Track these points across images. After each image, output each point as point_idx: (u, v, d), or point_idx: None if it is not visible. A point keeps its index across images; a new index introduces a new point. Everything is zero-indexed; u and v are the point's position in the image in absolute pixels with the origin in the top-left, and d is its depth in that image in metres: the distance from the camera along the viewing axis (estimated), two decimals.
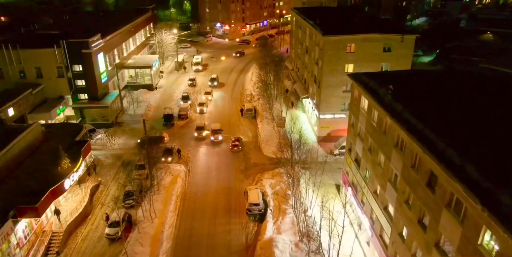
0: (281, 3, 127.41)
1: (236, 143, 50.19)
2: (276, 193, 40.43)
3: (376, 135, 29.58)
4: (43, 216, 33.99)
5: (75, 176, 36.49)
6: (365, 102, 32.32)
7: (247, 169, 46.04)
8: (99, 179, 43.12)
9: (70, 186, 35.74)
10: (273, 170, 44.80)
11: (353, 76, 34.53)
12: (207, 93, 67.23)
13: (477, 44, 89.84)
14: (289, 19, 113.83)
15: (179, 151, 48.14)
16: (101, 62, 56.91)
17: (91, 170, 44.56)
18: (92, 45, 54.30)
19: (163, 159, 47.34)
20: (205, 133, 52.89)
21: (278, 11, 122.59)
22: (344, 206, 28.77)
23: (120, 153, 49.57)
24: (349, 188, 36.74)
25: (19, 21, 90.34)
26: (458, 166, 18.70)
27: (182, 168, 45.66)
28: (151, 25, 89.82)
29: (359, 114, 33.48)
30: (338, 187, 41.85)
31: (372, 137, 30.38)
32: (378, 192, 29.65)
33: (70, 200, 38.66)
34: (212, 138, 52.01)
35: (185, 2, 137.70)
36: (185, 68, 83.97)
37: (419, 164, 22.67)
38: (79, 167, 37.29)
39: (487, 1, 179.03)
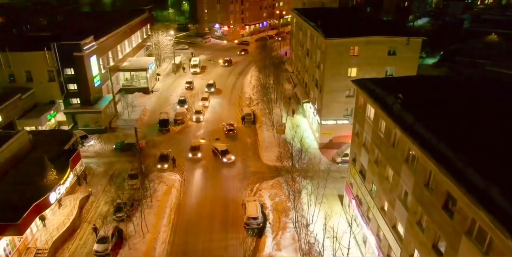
0: (281, 4, 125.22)
1: (231, 128, 54.05)
2: (276, 205, 38.30)
3: (383, 147, 27.43)
4: (28, 231, 31.90)
5: (62, 188, 34.31)
6: (371, 111, 30.18)
7: (246, 178, 43.88)
8: (90, 189, 40.95)
9: (57, 199, 33.55)
10: (273, 179, 42.64)
11: (358, 82, 32.37)
12: (204, 99, 64.28)
13: (482, 45, 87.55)
14: (289, 19, 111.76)
15: (174, 159, 45.93)
16: (94, 65, 54.75)
17: (81, 179, 42.45)
18: (85, 48, 52.15)
19: (158, 166, 45.32)
20: (200, 154, 47.87)
21: (278, 12, 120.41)
22: (350, 226, 26.59)
23: (112, 160, 47.38)
24: (353, 201, 34.58)
25: (13, 22, 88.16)
26: (481, 190, 16.56)
27: (177, 178, 43.49)
28: (148, 26, 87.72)
29: (365, 123, 31.33)
30: (341, 198, 39.69)
31: (379, 148, 28.22)
32: (386, 208, 27.50)
33: (58, 213, 36.49)
34: (224, 160, 46.43)
35: (184, 2, 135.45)
36: (184, 68, 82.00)
37: (433, 183, 20.52)
38: (66, 179, 35.12)
39: (489, 1, 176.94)
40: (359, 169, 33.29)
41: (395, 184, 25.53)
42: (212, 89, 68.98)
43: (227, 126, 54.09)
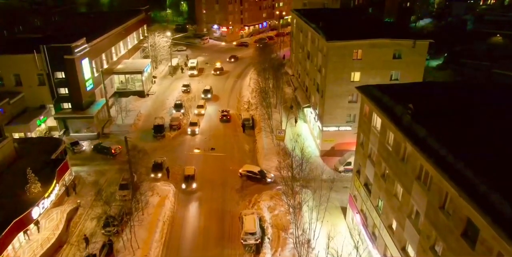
0: (281, 4, 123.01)
1: (225, 113, 57.20)
2: (275, 218, 36.18)
3: (391, 161, 25.26)
4: (10, 247, 29.77)
5: (46, 202, 32.15)
6: (377, 121, 28.02)
7: (243, 188, 41.69)
8: (78, 201, 38.73)
9: (40, 214, 31.39)
10: (272, 190, 40.52)
11: (363, 89, 30.24)
12: (200, 106, 60.42)
13: (487, 47, 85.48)
14: (289, 20, 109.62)
15: (168, 170, 43.65)
16: (86, 69, 52.55)
17: (70, 190, 40.29)
18: (76, 51, 49.97)
19: (152, 176, 43.17)
20: (195, 184, 41.43)
21: (277, 12, 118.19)
22: (357, 249, 24.45)
23: (104, 169, 45.20)
24: (358, 216, 32.42)
25: (7, 23, 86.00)
26: (510, 221, 14.41)
27: (171, 188, 41.29)
28: (145, 27, 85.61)
29: (370, 133, 29.18)
30: (344, 210, 37.55)
31: (387, 162, 26.06)
32: (394, 227, 25.34)
33: (43, 227, 34.30)
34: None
35: (182, 3, 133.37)
36: (182, 69, 79.93)
37: (451, 207, 18.36)
38: (51, 192, 32.98)
39: (491, 2, 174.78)
40: (364, 182, 31.14)
41: (405, 203, 23.38)
42: (209, 95, 65.42)
43: (222, 113, 56.98)
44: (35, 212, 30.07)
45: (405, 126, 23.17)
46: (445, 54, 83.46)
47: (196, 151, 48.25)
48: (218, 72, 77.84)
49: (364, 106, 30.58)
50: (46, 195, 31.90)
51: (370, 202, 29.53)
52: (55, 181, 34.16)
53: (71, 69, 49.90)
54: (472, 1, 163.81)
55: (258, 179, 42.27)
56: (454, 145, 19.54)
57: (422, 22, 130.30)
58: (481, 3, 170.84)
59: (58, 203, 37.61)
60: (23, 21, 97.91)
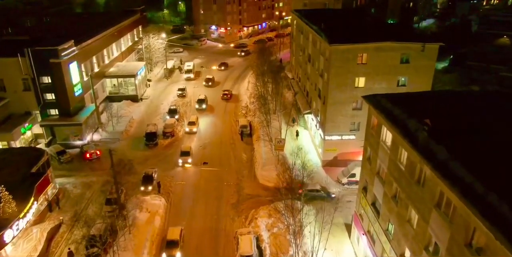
0: (280, 4, 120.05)
1: (227, 92, 62.81)
2: (274, 237, 33.29)
3: (404, 182, 22.38)
4: None
5: (22, 223, 29.26)
6: (387, 135, 25.15)
7: (240, 202, 38.80)
8: (61, 218, 35.81)
9: (14, 237, 28.49)
10: (270, 204, 37.51)
11: (370, 99, 27.35)
12: (191, 123, 52.65)
13: (494, 49, 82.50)
14: (289, 21, 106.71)
15: (159, 184, 40.52)
16: (74, 73, 49.64)
17: (53, 205, 37.39)
18: (63, 54, 47.08)
19: (142, 189, 40.30)
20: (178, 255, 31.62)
21: (277, 13, 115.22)
22: None
23: (92, 180, 42.26)
24: (364, 237, 29.54)
25: None
26: None
27: (162, 202, 38.40)
28: (140, 28, 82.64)
29: (379, 148, 26.29)
30: (348, 228, 34.64)
31: (399, 183, 23.17)
32: None
33: (21, 248, 31.42)
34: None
35: (180, 3, 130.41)
36: (180, 69, 77.14)
37: (479, 244, 15.47)
38: (27, 211, 30.06)
39: (495, 2, 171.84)
40: (372, 201, 28.25)
41: (421, 232, 20.49)
42: (204, 106, 59.85)
43: (224, 92, 61.96)
44: (8, 235, 27.20)
45: (421, 144, 20.29)
46: (451, 56, 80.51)
47: (187, 165, 44.89)
48: (209, 83, 69.63)
49: (371, 117, 27.70)
50: (22, 215, 29.03)
51: (378, 224, 26.65)
52: (32, 199, 31.25)
53: (58, 73, 46.99)
54: (475, 1, 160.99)
55: (322, 197, 37.22)
56: (482, 170, 16.68)
57: (425, 23, 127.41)
58: (484, 3, 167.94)
59: (39, 220, 34.75)
60: (14, 22, 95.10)
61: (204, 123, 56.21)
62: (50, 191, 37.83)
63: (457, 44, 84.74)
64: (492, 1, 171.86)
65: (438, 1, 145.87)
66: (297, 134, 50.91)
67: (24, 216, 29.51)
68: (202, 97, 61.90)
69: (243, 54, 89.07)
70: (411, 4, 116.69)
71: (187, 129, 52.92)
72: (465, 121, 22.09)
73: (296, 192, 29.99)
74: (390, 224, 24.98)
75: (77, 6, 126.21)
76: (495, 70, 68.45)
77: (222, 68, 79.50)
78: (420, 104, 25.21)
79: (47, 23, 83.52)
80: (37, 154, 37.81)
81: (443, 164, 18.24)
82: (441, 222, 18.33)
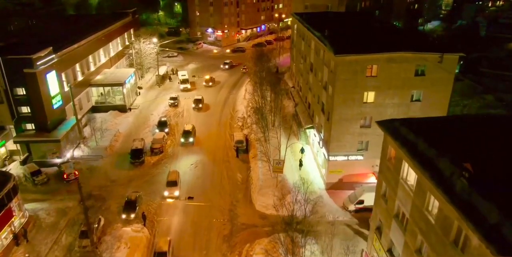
0: (280, 6, 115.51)
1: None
2: None
3: (434, 239, 17.78)
4: None
5: None
6: (408, 172, 20.58)
7: (233, 234, 34.16)
8: (27, 255, 31.22)
9: None
10: (268, 237, 32.93)
11: (387, 126, 22.76)
12: (171, 184, 39.15)
13: (506, 54, 77.93)
14: (289, 23, 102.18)
15: (144, 216, 35.23)
16: (53, 83, 45.10)
17: (20, 238, 32.79)
18: (38, 63, 42.59)
19: (123, 216, 35.70)
20: None
21: (277, 15, 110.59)
22: None
23: (68, 206, 37.65)
24: None
25: None
26: None
27: (145, 234, 33.71)
28: (131, 31, 78.07)
29: (398, 186, 21.71)
30: None
31: (426, 238, 18.58)
32: None
33: None
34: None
35: (176, 4, 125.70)
36: (170, 78, 72.42)
37: None
38: None
39: (500, 3, 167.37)
40: (388, 247, 23.66)
41: None
42: (191, 139, 48.62)
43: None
44: None
45: (459, 196, 15.71)
46: (461, 62, 75.83)
47: (170, 200, 38.26)
48: (200, 105, 59.32)
49: (388, 147, 23.12)
50: None
51: None
52: None
53: (33, 84, 42.45)
54: (480, 3, 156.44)
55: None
56: None
57: (430, 25, 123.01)
58: (489, 5, 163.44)
59: (2, 256, 30.29)
60: (4, 23, 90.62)
61: (197, 136, 51.49)
62: (17, 221, 33.37)
63: (467, 48, 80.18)
64: (498, 3, 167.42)
65: (443, 3, 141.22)
66: (301, 164, 43.05)
67: None
68: (188, 127, 50.14)
69: (226, 67, 79.07)
70: (416, 6, 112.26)
71: (172, 171, 41.73)
72: (508, 154, 17.53)
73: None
74: None
75: (70, 7, 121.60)
76: (509, 77, 63.90)
77: (210, 84, 69.36)
78: (450, 134, 20.61)
79: (32, 26, 78.80)
80: (2, 180, 33.19)
81: (494, 228, 13.68)
82: None
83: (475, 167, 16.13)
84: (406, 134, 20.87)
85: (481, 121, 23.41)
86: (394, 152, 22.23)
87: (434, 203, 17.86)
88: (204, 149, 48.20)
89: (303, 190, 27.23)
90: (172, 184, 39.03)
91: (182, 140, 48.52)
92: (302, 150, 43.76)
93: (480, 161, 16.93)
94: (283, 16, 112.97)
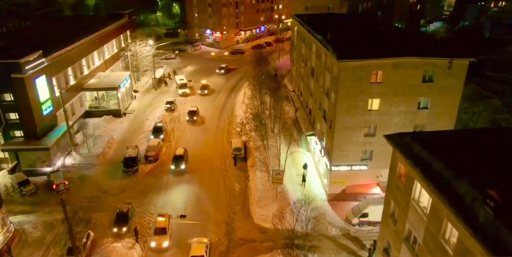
0: (280, 7, 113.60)
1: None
2: None
3: None
4: None
5: None
6: (421, 193, 18.67)
7: (229, 250, 32.21)
8: None
9: None
10: (267, 253, 31.06)
11: (396, 141, 20.81)
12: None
13: (511, 56, 75.93)
14: (289, 24, 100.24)
15: (136, 231, 33.29)
16: (42, 88, 43.19)
17: (3, 255, 30.87)
18: (27, 67, 40.69)
19: (114, 230, 33.75)
20: None
21: (277, 16, 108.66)
22: None
23: (56, 218, 35.57)
24: None
25: None
26: None
27: (137, 251, 31.78)
28: (127, 33, 76.13)
29: (409, 208, 19.79)
30: None
31: None
32: None
33: None
34: None
35: (174, 4, 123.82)
36: (165, 83, 70.29)
37: None
38: None
39: (503, 4, 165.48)
40: None
41: None
42: (182, 166, 42.77)
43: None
44: None
45: (483, 227, 13.79)
46: None
47: (160, 219, 33.10)
48: (195, 118, 54.93)
49: (397, 164, 21.19)
50: None
51: None
52: None
53: (21, 90, 40.53)
54: (482, 3, 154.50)
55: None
56: None
57: (432, 26, 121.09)
58: (492, 6, 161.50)
59: None
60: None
61: (193, 142, 49.47)
62: (1, 236, 31.44)
63: (470, 50, 78.25)
64: (500, 4, 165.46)
65: (446, 4, 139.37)
66: (304, 179, 40.28)
67: None
68: (179, 151, 44.05)
69: (222, 72, 76.22)
70: (419, 7, 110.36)
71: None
72: None
73: None
74: None
75: (67, 8, 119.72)
76: None
77: (205, 91, 65.36)
78: (468, 150, 18.67)
79: (25, 28, 76.89)
80: None
81: None
82: None
83: (501, 194, 14.21)
84: (418, 151, 18.95)
85: (501, 134, 21.42)
86: (404, 170, 20.32)
87: (452, 232, 15.94)
88: (201, 156, 46.18)
89: (305, 206, 25.27)
90: (161, 231, 32.09)
91: (173, 167, 42.67)
92: (305, 166, 41.07)
93: (506, 185, 15.00)
94: (283, 17, 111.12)
